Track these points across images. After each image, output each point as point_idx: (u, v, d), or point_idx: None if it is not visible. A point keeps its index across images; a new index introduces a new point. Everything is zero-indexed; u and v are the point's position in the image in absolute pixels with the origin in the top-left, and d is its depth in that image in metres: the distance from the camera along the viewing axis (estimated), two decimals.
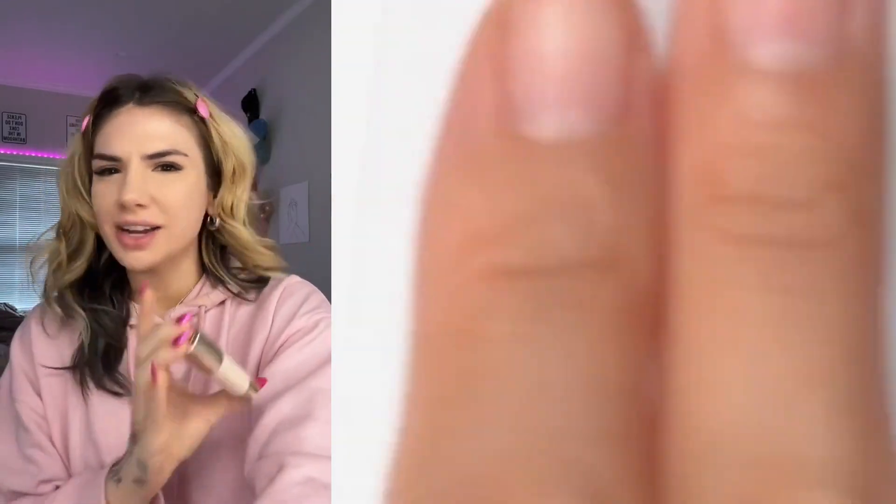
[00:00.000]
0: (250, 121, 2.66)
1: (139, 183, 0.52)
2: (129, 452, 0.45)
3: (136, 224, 0.51)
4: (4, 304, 2.93)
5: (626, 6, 0.19)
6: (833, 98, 0.17)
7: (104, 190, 0.53)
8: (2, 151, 3.27)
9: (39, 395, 0.55)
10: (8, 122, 3.27)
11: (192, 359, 0.43)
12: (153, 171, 0.53)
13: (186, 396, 0.46)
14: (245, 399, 0.46)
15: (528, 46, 0.18)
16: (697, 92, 0.18)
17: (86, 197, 0.55)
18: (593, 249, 0.18)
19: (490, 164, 0.18)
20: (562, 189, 0.18)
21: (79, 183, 0.56)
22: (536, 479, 0.16)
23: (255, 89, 2.76)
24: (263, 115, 2.71)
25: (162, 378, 0.43)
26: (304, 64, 2.38)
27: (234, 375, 0.45)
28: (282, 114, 2.61)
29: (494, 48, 0.19)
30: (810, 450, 0.16)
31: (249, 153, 0.59)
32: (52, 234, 0.58)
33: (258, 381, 0.47)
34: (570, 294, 0.17)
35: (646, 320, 0.18)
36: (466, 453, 0.17)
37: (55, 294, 0.56)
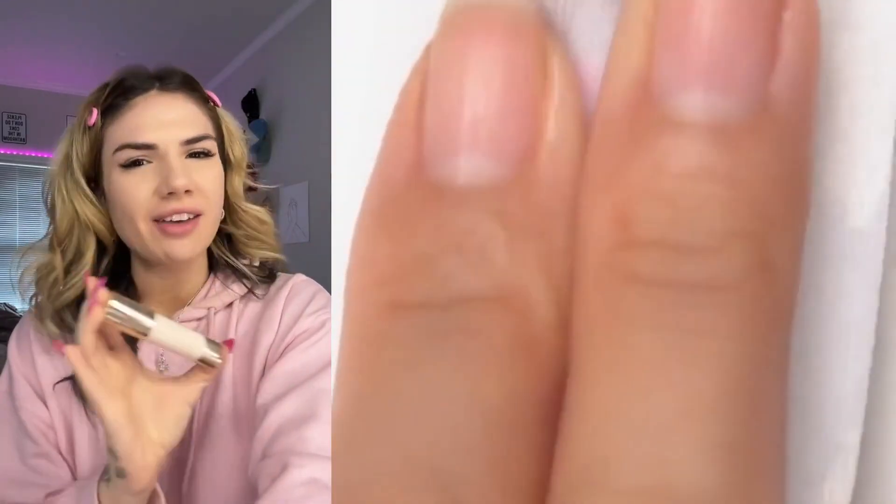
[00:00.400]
0: (250, 121, 2.66)
1: (184, 169, 0.50)
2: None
3: (181, 212, 0.50)
4: (4, 304, 2.92)
5: (542, 60, 0.20)
6: (748, 150, 0.18)
7: (135, 182, 0.50)
8: (2, 151, 3.26)
9: (45, 403, 0.53)
10: (8, 122, 3.27)
11: (112, 324, 0.39)
12: (186, 158, 0.51)
13: (160, 381, 0.43)
14: (214, 365, 0.42)
15: (442, 96, 0.20)
16: (619, 139, 0.19)
17: (91, 197, 0.52)
18: (485, 286, 0.19)
19: (400, 211, 0.20)
20: (461, 230, 0.19)
21: (82, 182, 0.52)
22: (405, 483, 0.18)
23: (255, 89, 2.76)
24: (263, 115, 2.71)
25: (69, 351, 0.39)
26: (304, 64, 2.38)
27: (174, 338, 0.41)
28: (282, 114, 2.61)
29: (415, 99, 0.20)
30: (681, 479, 0.17)
31: (245, 141, 0.59)
32: (45, 245, 0.54)
33: (227, 343, 0.43)
34: (458, 326, 0.19)
35: (544, 353, 0.19)
36: (356, 464, 0.19)
37: (51, 314, 0.52)
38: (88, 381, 0.40)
